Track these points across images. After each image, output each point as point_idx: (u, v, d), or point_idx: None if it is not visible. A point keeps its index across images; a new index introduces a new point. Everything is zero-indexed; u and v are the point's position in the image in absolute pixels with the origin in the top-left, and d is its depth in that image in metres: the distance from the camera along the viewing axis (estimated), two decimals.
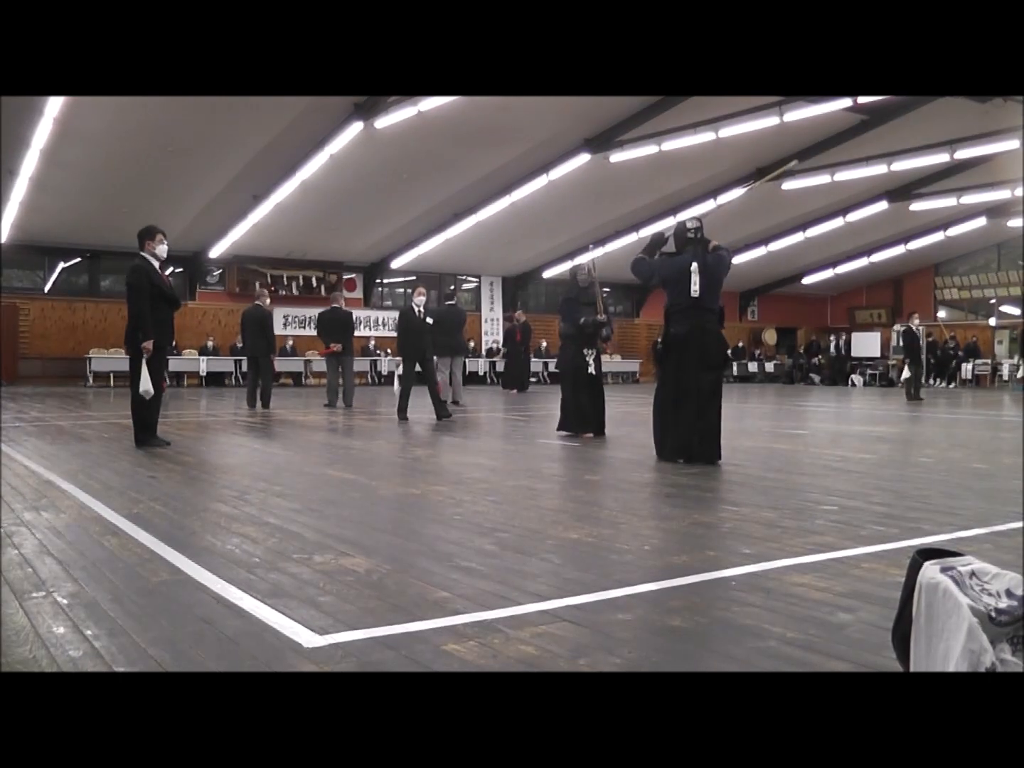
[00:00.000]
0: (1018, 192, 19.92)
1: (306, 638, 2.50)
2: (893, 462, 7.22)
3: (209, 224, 19.53)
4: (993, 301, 27.28)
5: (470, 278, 26.11)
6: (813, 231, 24.46)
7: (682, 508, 4.71)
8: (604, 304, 8.83)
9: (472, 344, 22.50)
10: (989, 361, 26.11)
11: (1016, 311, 26.71)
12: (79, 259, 20.87)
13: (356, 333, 14.48)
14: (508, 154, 17.61)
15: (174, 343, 20.74)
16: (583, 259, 8.91)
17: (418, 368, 11.35)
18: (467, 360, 20.79)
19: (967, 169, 20.30)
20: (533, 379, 20.79)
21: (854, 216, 23.39)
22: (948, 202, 22.24)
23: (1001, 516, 4.43)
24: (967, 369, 24.96)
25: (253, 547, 3.67)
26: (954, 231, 25.23)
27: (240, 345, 17.52)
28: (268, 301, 14.29)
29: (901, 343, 19.88)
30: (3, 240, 18.75)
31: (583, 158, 17.71)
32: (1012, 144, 16.85)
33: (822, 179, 19.80)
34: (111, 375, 19.30)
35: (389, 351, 22.09)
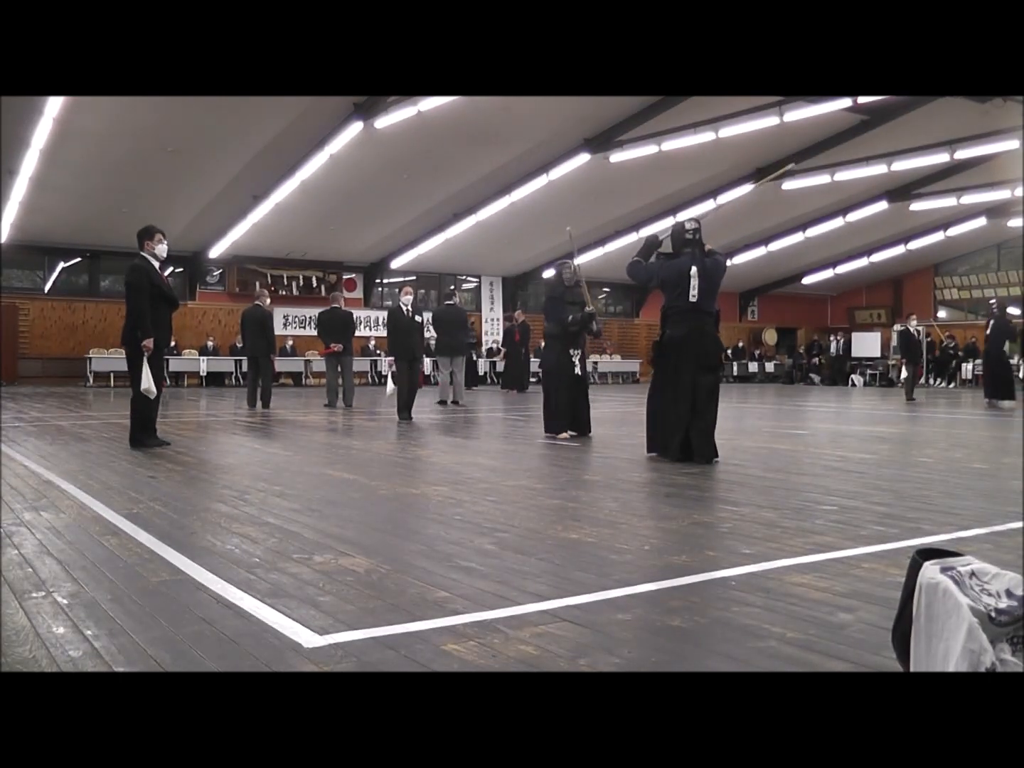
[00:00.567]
0: (1018, 192, 19.92)
1: (306, 638, 2.50)
2: (893, 462, 7.22)
3: (209, 224, 19.53)
4: (993, 301, 27.29)
5: (470, 278, 26.11)
6: (813, 231, 24.46)
7: (682, 508, 4.71)
8: (590, 297, 8.80)
9: (475, 342, 22.35)
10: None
11: (1016, 311, 26.71)
12: (79, 259, 20.87)
13: (356, 333, 14.48)
14: (508, 154, 17.61)
15: (174, 343, 20.80)
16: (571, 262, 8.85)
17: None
18: (476, 359, 20.74)
19: (967, 169, 20.30)
20: (532, 379, 20.80)
21: (854, 216, 23.39)
22: (948, 202, 22.24)
23: (1001, 516, 4.43)
24: (967, 369, 24.95)
25: (253, 547, 3.67)
26: (954, 231, 25.23)
27: (240, 345, 17.52)
28: (268, 301, 14.29)
29: (897, 344, 19.91)
30: (3, 240, 18.74)
31: (583, 158, 17.71)
32: (1012, 144, 16.85)
33: (822, 179, 19.80)
34: (111, 375, 19.30)
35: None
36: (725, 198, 21.10)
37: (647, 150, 17.38)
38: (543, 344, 9.33)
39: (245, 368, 14.92)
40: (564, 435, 8.39)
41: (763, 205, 21.77)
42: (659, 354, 6.94)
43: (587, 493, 5.36)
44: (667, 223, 22.44)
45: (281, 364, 19.42)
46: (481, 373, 24.01)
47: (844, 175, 19.61)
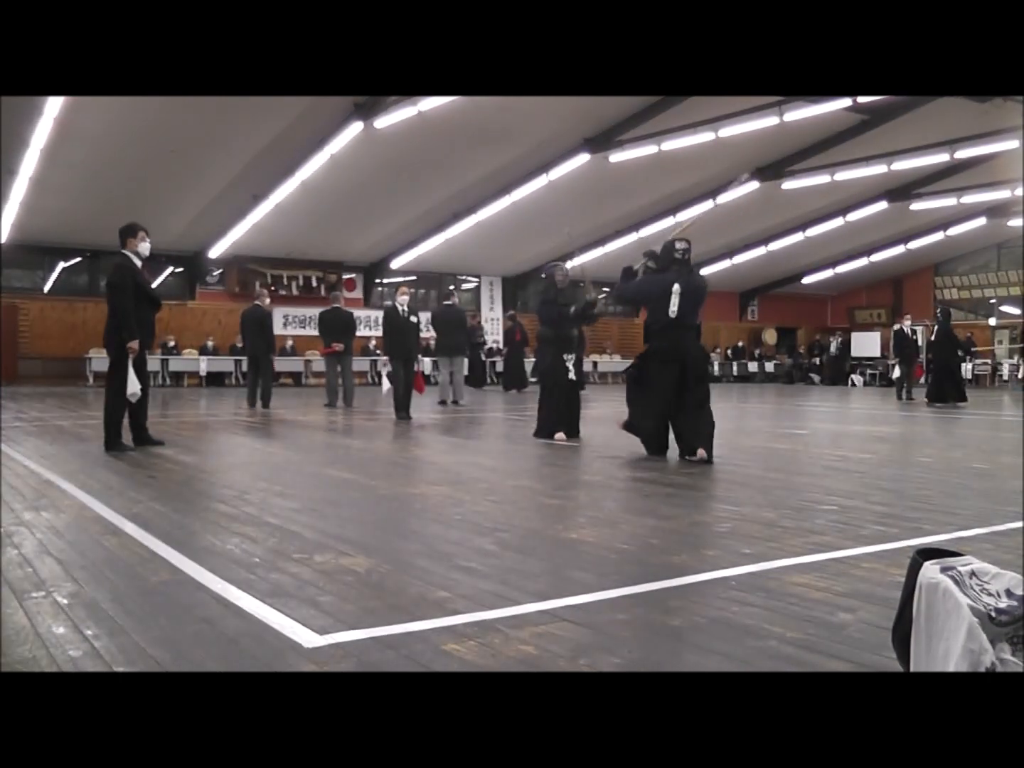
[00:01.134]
0: (1018, 192, 19.93)
1: (306, 638, 2.50)
2: (893, 462, 7.22)
3: (209, 224, 19.54)
4: (993, 301, 27.30)
5: (470, 278, 26.11)
6: (813, 231, 24.46)
7: (682, 508, 4.71)
8: (592, 288, 8.76)
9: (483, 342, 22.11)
10: (989, 361, 26.12)
11: (1016, 311, 26.73)
12: (79, 259, 20.88)
13: (356, 333, 14.48)
14: (508, 154, 17.61)
15: (173, 342, 20.81)
16: (570, 263, 8.84)
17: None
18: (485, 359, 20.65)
19: (967, 169, 20.30)
20: (532, 379, 20.81)
21: (854, 216, 23.40)
22: (948, 202, 22.24)
23: (1001, 516, 4.43)
24: (967, 369, 24.96)
25: (253, 547, 3.67)
26: (954, 231, 25.23)
27: (240, 345, 17.52)
28: (268, 301, 14.29)
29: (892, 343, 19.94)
30: (3, 240, 18.74)
31: (583, 158, 17.71)
32: (1012, 144, 16.85)
33: (822, 179, 19.80)
34: None
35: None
36: (725, 198, 21.11)
37: (647, 150, 17.38)
38: (537, 347, 9.26)
39: (245, 368, 14.92)
40: (559, 435, 8.26)
41: (763, 205, 21.78)
42: (644, 359, 7.21)
43: (587, 493, 5.36)
44: (666, 223, 22.54)
45: (281, 364, 19.42)
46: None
47: (844, 175, 19.61)
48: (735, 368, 28.74)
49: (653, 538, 3.94)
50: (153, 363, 19.71)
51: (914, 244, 26.37)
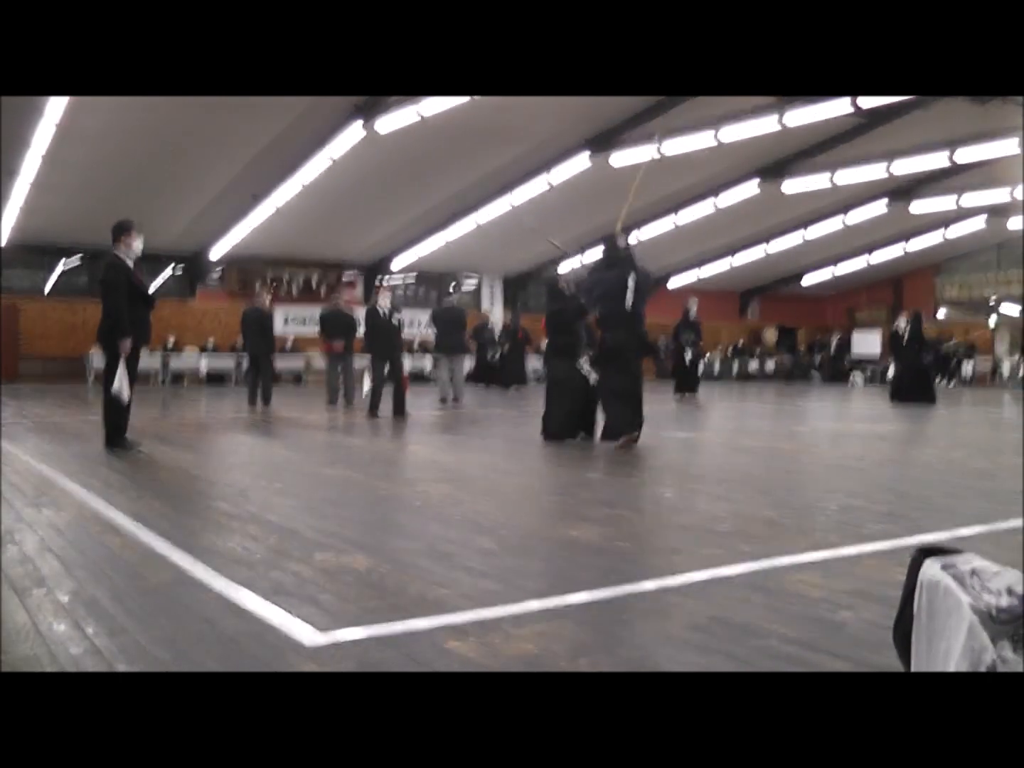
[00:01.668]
0: (1018, 192, 19.92)
1: (307, 637, 2.50)
2: (893, 461, 7.22)
3: (209, 224, 19.53)
4: (994, 299, 27.28)
5: (470, 277, 26.11)
6: (813, 231, 24.45)
7: (682, 507, 4.71)
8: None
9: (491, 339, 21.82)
10: (990, 360, 26.11)
11: (1016, 311, 26.72)
12: (79, 259, 20.88)
13: (357, 332, 14.46)
14: (508, 154, 17.61)
15: (172, 342, 20.82)
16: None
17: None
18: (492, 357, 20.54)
19: (967, 170, 20.29)
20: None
21: (854, 216, 23.39)
22: (948, 202, 22.23)
23: (1002, 515, 4.43)
24: (967, 368, 24.96)
25: (254, 546, 3.68)
26: (954, 231, 25.22)
27: (240, 345, 17.52)
28: (268, 301, 14.28)
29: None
30: (3, 240, 18.75)
31: (583, 158, 17.70)
32: (1012, 144, 16.84)
33: (822, 180, 19.79)
34: None
35: None
36: (725, 198, 21.11)
37: (647, 150, 17.36)
38: (547, 355, 9.13)
39: (246, 367, 14.92)
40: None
41: (763, 205, 21.77)
42: (603, 357, 7.64)
43: (587, 492, 5.36)
44: (666, 223, 22.53)
45: (281, 363, 19.41)
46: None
47: (844, 175, 19.61)
48: (735, 367, 28.75)
49: (654, 537, 3.94)
50: (153, 362, 19.72)
51: (914, 244, 26.37)
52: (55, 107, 13.09)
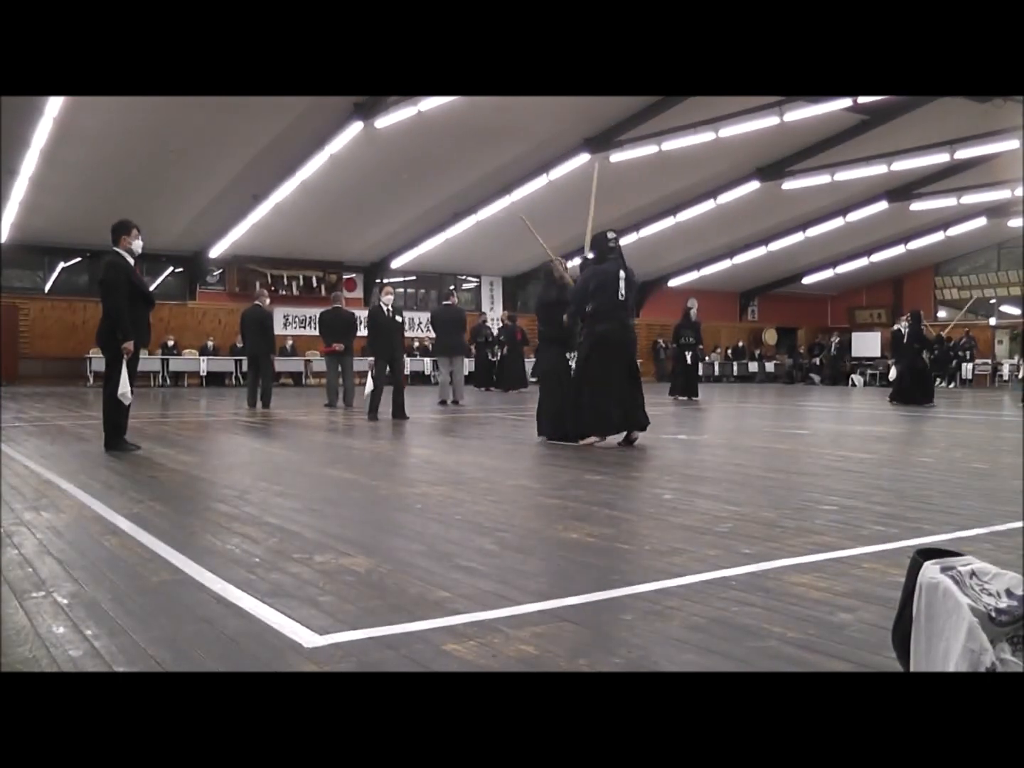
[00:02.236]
0: (1018, 192, 19.93)
1: (306, 638, 2.50)
2: (893, 462, 7.22)
3: (209, 224, 19.54)
4: (993, 301, 27.30)
5: (470, 278, 26.11)
6: (813, 231, 24.47)
7: (682, 507, 4.71)
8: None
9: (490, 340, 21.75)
10: (989, 361, 26.12)
11: (1016, 311, 26.73)
12: (79, 259, 20.88)
13: (357, 333, 14.47)
14: (508, 154, 17.61)
15: (172, 342, 20.82)
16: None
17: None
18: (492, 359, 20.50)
19: (967, 169, 20.31)
20: (532, 380, 20.76)
21: (854, 216, 23.41)
22: (948, 202, 22.24)
23: (1001, 516, 4.43)
24: (967, 369, 24.97)
25: (253, 547, 3.67)
26: (954, 231, 25.24)
27: (240, 345, 17.52)
28: (268, 301, 14.28)
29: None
30: (3, 240, 18.75)
31: (583, 158, 17.71)
32: (1012, 144, 16.85)
33: (822, 179, 19.80)
34: None
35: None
36: (725, 198, 21.12)
37: (647, 150, 17.38)
38: (538, 347, 9.14)
39: (245, 368, 14.92)
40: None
41: (763, 205, 21.78)
42: (592, 348, 7.75)
43: (587, 493, 5.36)
44: (666, 223, 22.51)
45: (281, 364, 19.41)
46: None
47: (844, 175, 19.62)
48: (735, 368, 28.75)
49: (653, 538, 3.94)
50: (153, 363, 19.74)
51: (914, 244, 26.38)
52: (54, 105, 13.10)
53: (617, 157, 17.62)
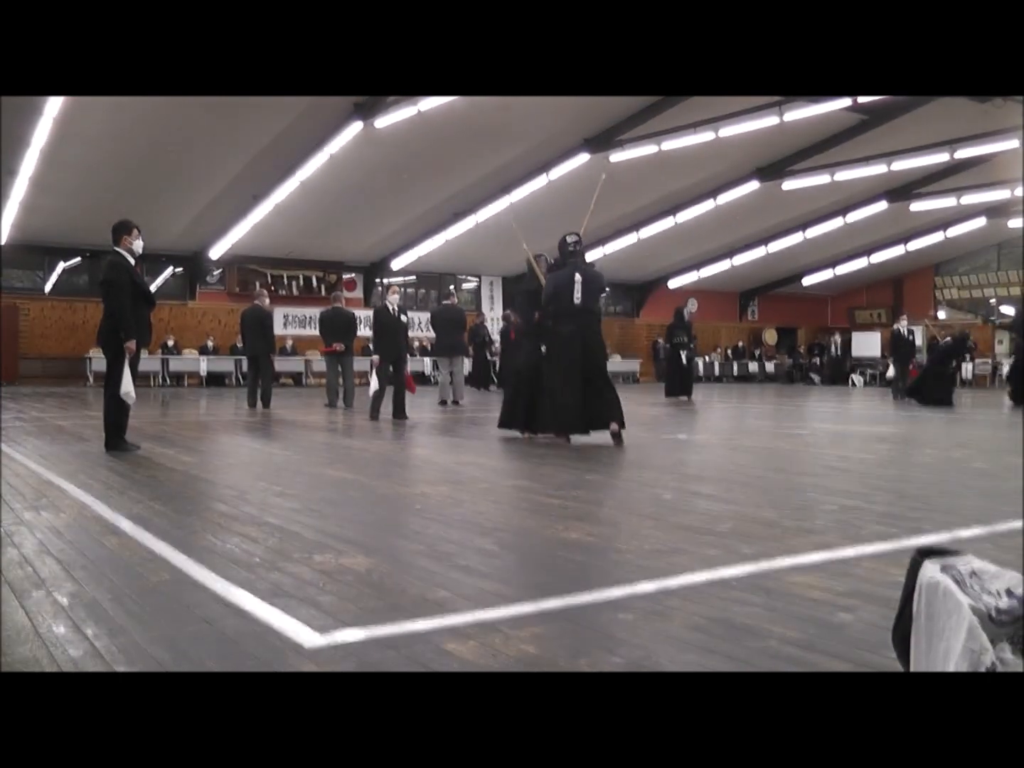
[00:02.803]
0: (1018, 192, 19.93)
1: (306, 638, 2.50)
2: (893, 462, 7.22)
3: (209, 224, 19.54)
4: (993, 301, 27.30)
5: (470, 278, 26.11)
6: (813, 231, 24.47)
7: (681, 507, 4.71)
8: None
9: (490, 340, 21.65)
10: (989, 361, 26.11)
11: (1010, 310, 26.71)
12: (79, 259, 20.88)
13: (357, 333, 14.47)
14: (508, 154, 17.61)
15: (172, 342, 20.82)
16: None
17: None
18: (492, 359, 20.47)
19: (967, 169, 20.31)
20: None
21: (854, 216, 23.41)
22: (948, 202, 22.24)
23: (1001, 516, 4.43)
24: (967, 369, 24.96)
25: (253, 547, 3.67)
26: (954, 231, 25.23)
27: (240, 345, 17.52)
28: (268, 301, 14.28)
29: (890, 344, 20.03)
30: (3, 240, 18.75)
31: (583, 158, 17.71)
32: (1012, 144, 16.85)
33: (822, 179, 19.80)
34: None
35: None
36: (725, 198, 21.11)
37: (647, 150, 17.38)
38: (520, 341, 9.19)
39: (245, 368, 14.92)
40: (571, 438, 8.03)
41: (763, 205, 21.78)
42: (549, 350, 7.91)
43: (587, 493, 5.36)
44: (666, 223, 22.50)
45: (281, 364, 19.41)
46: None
47: (844, 175, 19.62)
48: (735, 368, 28.75)
49: (653, 538, 3.94)
50: (153, 363, 19.74)
51: (914, 244, 26.38)
52: (54, 105, 13.10)
53: (617, 157, 17.62)
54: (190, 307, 21.90)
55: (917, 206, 22.92)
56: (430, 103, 14.27)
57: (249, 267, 22.02)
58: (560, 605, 2.84)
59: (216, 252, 21.09)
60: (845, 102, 15.49)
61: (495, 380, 20.89)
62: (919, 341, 20.98)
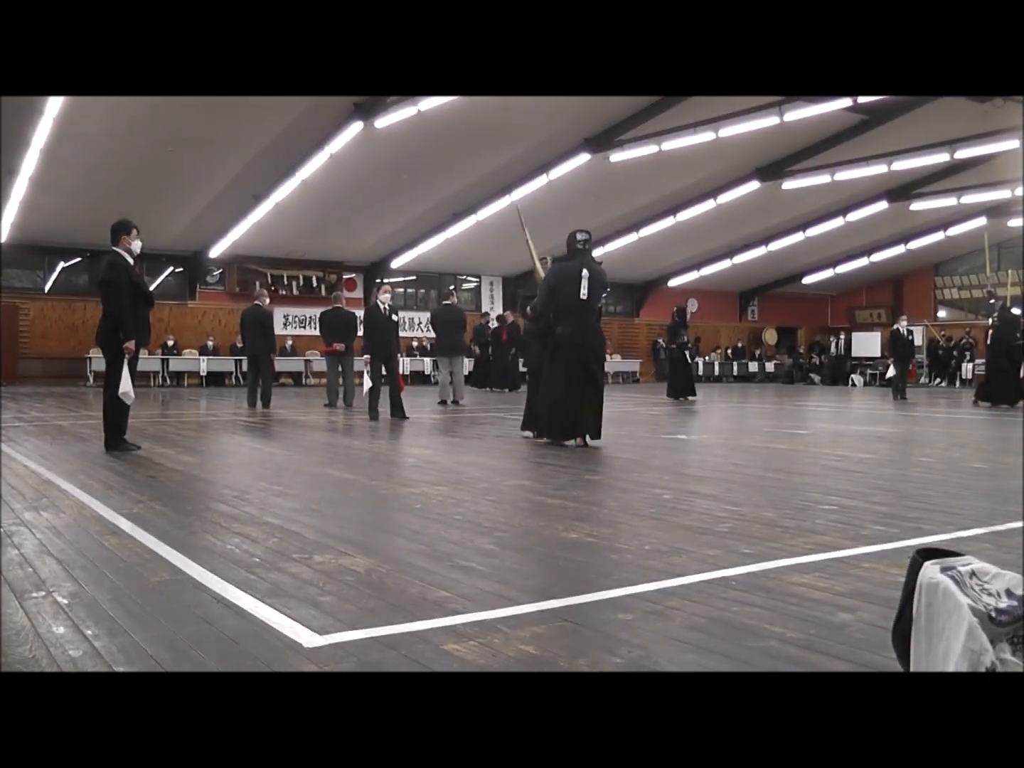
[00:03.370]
0: (1018, 192, 19.93)
1: (306, 638, 2.50)
2: (893, 462, 7.22)
3: (209, 224, 19.53)
4: (993, 301, 27.27)
5: (470, 278, 26.10)
6: (813, 231, 24.46)
7: (681, 508, 4.71)
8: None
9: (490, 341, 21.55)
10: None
11: (1017, 311, 26.69)
12: (79, 259, 20.87)
13: (357, 333, 14.47)
14: (508, 154, 17.61)
15: (172, 342, 20.81)
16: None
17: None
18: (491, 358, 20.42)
19: (967, 169, 20.30)
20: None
21: (854, 216, 23.40)
22: (948, 202, 22.24)
23: (1001, 516, 4.43)
24: (967, 369, 24.96)
25: (253, 547, 3.68)
26: (954, 231, 25.23)
27: (240, 345, 17.52)
28: (268, 301, 14.28)
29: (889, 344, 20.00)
30: (3, 240, 18.74)
31: (583, 158, 17.70)
32: (1012, 144, 16.85)
33: (822, 179, 19.80)
34: None
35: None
36: (725, 198, 21.10)
37: (647, 150, 17.38)
38: (525, 343, 9.20)
39: (245, 368, 14.91)
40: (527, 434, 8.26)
41: (763, 205, 21.77)
42: (555, 350, 7.75)
43: (587, 493, 5.36)
44: (666, 223, 22.50)
45: (281, 364, 19.41)
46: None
47: (844, 175, 19.61)
48: (735, 368, 28.75)
49: (653, 538, 3.94)
50: (153, 363, 19.75)
51: (914, 244, 26.37)
52: (54, 104, 13.09)
53: (617, 157, 17.62)
54: (190, 307, 21.89)
55: (917, 206, 22.91)
56: (430, 103, 14.26)
57: (249, 267, 22.02)
58: (560, 605, 2.84)
59: (216, 252, 21.09)
60: (845, 102, 15.48)
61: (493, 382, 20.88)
62: (919, 341, 20.98)
